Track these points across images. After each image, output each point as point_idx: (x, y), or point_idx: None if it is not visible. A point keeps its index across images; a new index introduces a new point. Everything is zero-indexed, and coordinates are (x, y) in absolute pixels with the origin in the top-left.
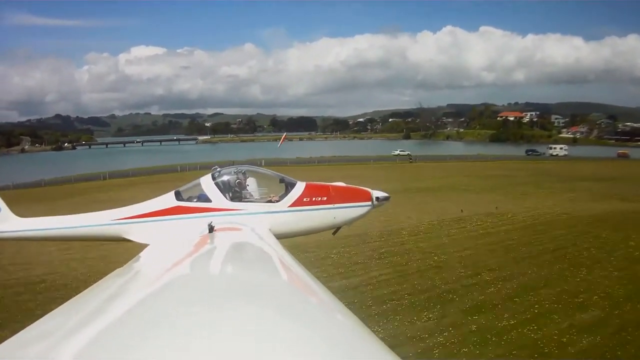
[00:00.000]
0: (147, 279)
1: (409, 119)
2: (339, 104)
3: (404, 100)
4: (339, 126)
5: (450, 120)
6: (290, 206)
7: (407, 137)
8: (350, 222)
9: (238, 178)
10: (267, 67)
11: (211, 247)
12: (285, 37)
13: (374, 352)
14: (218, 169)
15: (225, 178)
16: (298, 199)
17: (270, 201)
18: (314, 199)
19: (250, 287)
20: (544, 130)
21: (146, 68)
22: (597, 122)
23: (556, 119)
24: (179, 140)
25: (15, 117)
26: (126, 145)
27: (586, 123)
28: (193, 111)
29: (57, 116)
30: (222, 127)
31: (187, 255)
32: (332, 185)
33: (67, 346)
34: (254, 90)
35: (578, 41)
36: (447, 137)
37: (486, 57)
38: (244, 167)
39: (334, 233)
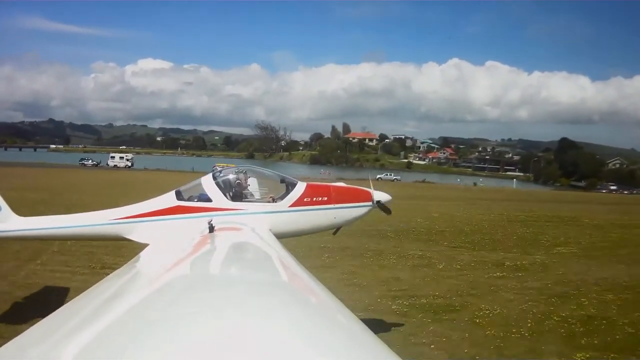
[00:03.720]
0: (147, 279)
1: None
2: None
3: (405, 130)
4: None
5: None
6: (291, 206)
7: (251, 156)
8: (350, 222)
9: (239, 178)
10: (271, 89)
11: (211, 247)
12: (293, 60)
13: (374, 352)
14: (219, 169)
15: (225, 178)
16: (299, 198)
17: (271, 201)
18: (314, 199)
19: (250, 287)
20: (389, 154)
21: (151, 81)
22: (476, 150)
23: (422, 143)
24: (34, 147)
25: (20, 117)
26: (36, 149)
27: (453, 150)
28: (193, 127)
29: (50, 120)
30: (171, 142)
31: (188, 255)
32: (332, 186)
33: (68, 347)
34: (257, 111)
35: (584, 80)
36: (281, 158)
37: (491, 93)
38: (245, 167)
39: (334, 233)
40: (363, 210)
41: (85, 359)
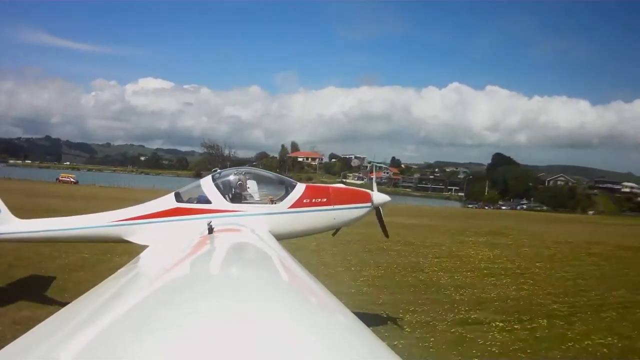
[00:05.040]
0: (147, 280)
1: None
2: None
3: (406, 155)
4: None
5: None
6: (290, 207)
7: (198, 175)
8: (349, 223)
9: (238, 179)
10: (271, 111)
11: (211, 248)
12: (293, 81)
13: (374, 352)
14: (218, 171)
15: (225, 179)
16: (298, 200)
17: (270, 202)
18: (314, 200)
19: (250, 288)
20: (328, 173)
21: (152, 100)
22: (428, 170)
23: (369, 162)
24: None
25: (19, 133)
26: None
27: (398, 170)
28: (191, 149)
29: (47, 138)
30: (153, 162)
31: (187, 257)
32: (331, 187)
33: (69, 348)
34: (257, 134)
35: (584, 104)
36: None
37: (490, 117)
38: (244, 169)
39: (333, 234)
40: (362, 212)
41: (86, 359)
